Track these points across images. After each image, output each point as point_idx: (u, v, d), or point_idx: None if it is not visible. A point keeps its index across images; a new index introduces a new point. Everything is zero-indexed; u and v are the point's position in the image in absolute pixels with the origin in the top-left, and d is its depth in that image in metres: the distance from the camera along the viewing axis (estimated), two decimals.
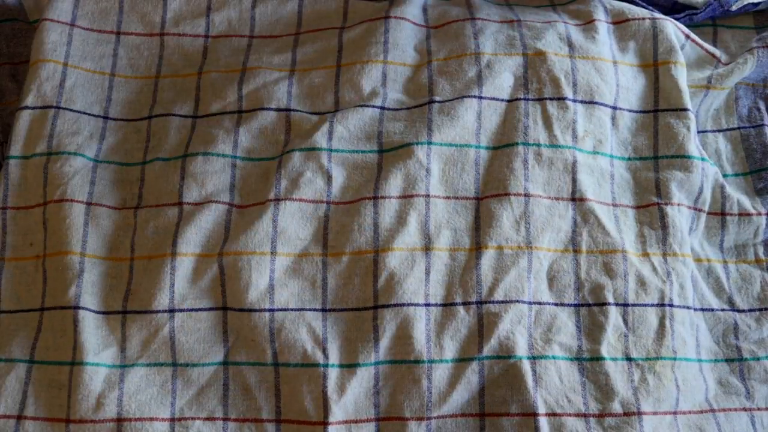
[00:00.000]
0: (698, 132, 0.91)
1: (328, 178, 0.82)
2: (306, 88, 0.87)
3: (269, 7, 0.94)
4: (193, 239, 0.80)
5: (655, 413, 0.77)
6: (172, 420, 0.77)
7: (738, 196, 0.88)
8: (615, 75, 0.88)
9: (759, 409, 0.81)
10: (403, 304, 0.77)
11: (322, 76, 0.88)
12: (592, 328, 0.79)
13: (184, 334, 0.78)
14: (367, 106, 0.85)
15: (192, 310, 0.79)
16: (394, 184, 0.81)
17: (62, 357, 0.79)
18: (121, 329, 0.79)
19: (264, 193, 0.82)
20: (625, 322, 0.79)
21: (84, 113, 0.88)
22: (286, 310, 0.78)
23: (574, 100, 0.85)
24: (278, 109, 0.86)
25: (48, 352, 0.79)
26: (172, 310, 0.78)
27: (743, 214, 0.88)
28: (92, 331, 0.79)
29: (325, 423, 0.75)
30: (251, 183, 0.84)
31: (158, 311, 0.78)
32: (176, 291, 0.79)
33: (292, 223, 0.81)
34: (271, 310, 0.78)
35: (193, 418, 0.77)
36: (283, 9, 0.94)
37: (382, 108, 0.86)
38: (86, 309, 0.79)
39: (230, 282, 0.79)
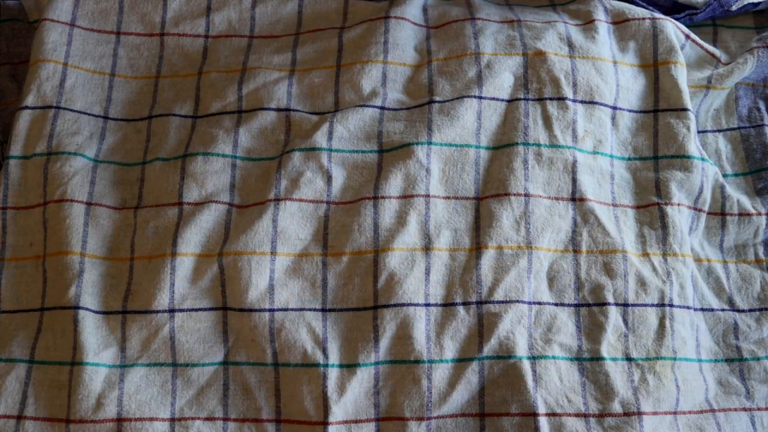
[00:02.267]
0: (698, 132, 0.91)
1: (328, 178, 0.82)
2: (306, 88, 0.87)
3: (269, 7, 0.94)
4: (193, 239, 0.80)
5: (655, 413, 0.77)
6: (172, 420, 0.77)
7: (738, 196, 0.88)
8: (615, 75, 0.88)
9: (759, 409, 0.81)
10: (403, 304, 0.77)
11: (322, 76, 0.88)
12: (592, 328, 0.79)
13: (184, 334, 0.78)
14: (367, 106, 0.85)
15: (192, 310, 0.79)
16: (394, 184, 0.81)
17: (62, 357, 0.78)
18: (121, 329, 0.79)
19: (264, 193, 0.82)
20: (625, 322, 0.79)
21: (84, 113, 0.88)
22: (286, 310, 0.78)
23: (574, 100, 0.85)
24: (278, 109, 0.86)
25: (48, 352, 0.79)
26: (172, 310, 0.78)
27: (743, 214, 0.88)
28: (92, 331, 0.78)
29: (325, 423, 0.75)
30: (251, 183, 0.83)
31: (158, 311, 0.78)
32: (176, 291, 0.79)
33: (292, 223, 0.81)
34: (271, 310, 0.78)
35: (193, 418, 0.77)
36: (283, 9, 0.94)
37: (382, 108, 0.86)
38: (86, 309, 0.79)
39: (230, 282, 0.79)
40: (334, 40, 0.90)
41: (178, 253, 0.79)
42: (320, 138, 0.83)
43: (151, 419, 0.76)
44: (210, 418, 0.77)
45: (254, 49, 0.91)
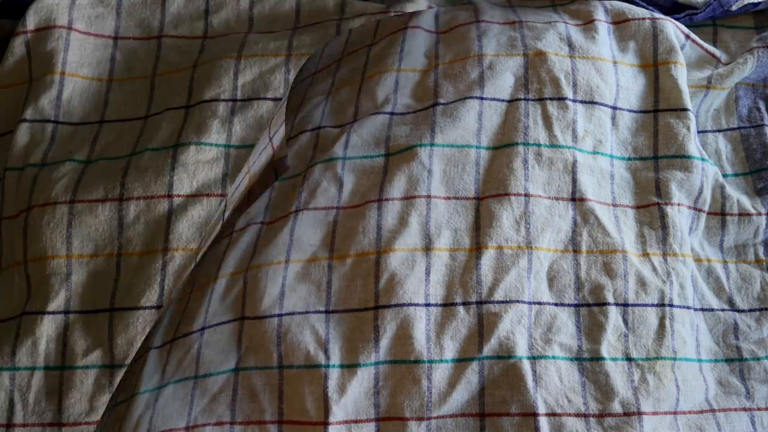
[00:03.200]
0: (698, 132, 0.91)
1: (340, 185, 0.83)
2: (336, 104, 0.88)
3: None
4: (230, 262, 0.82)
5: (655, 413, 0.77)
6: (187, 428, 0.77)
7: (738, 196, 0.88)
8: (615, 75, 0.88)
9: (759, 409, 0.81)
10: (403, 305, 0.77)
11: (347, 92, 0.89)
12: (592, 328, 0.79)
13: (207, 347, 0.79)
14: (379, 113, 0.86)
15: (218, 324, 0.79)
16: (397, 186, 0.82)
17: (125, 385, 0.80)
18: (166, 355, 0.81)
19: (286, 206, 0.83)
20: (625, 322, 0.79)
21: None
22: (292, 314, 0.78)
23: (574, 100, 0.85)
24: (312, 129, 0.87)
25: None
26: (203, 329, 0.79)
27: (743, 214, 0.88)
28: (150, 363, 0.80)
29: (325, 423, 0.75)
30: (279, 201, 0.84)
31: (193, 332, 0.80)
32: (210, 310, 0.80)
33: (306, 231, 0.81)
34: (280, 315, 0.78)
35: (204, 425, 0.77)
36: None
37: (392, 114, 0.86)
38: (150, 348, 0.81)
39: (250, 293, 0.79)
40: (362, 57, 0.91)
41: (220, 275, 0.81)
42: (338, 148, 0.84)
43: (171, 431, 0.76)
44: (219, 423, 0.77)
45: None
